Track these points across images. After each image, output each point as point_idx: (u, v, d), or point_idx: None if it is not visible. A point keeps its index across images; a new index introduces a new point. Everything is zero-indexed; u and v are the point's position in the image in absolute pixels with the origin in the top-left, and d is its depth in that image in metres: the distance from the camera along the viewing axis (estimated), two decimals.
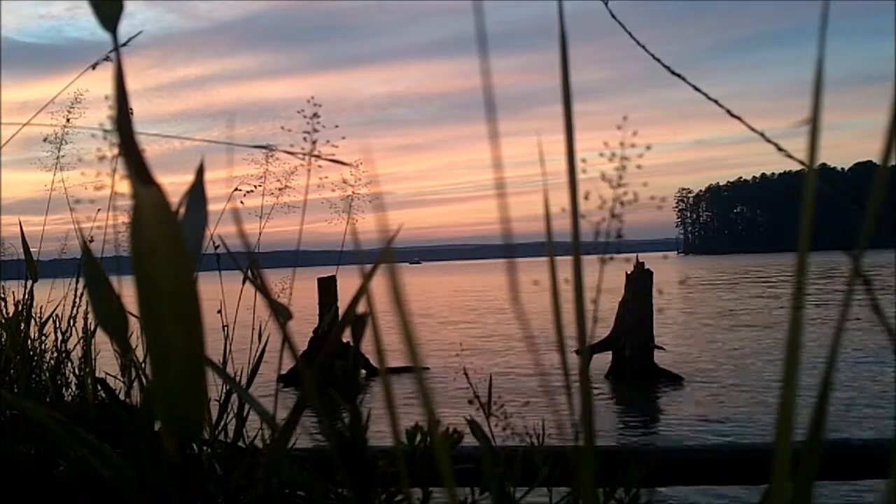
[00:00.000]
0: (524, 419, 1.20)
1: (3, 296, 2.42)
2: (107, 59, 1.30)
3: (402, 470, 0.80)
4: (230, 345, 1.74)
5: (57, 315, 2.23)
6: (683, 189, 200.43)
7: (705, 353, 14.20)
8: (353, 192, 1.63)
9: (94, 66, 1.32)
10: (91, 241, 0.84)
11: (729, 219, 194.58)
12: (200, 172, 0.74)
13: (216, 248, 1.46)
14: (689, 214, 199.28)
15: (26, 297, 2.18)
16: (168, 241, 0.50)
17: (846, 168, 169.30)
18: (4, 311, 2.36)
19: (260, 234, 1.84)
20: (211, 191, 0.74)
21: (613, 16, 0.66)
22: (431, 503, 0.99)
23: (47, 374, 2.03)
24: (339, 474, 0.85)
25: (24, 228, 2.25)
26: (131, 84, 0.51)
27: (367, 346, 0.75)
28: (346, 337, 0.72)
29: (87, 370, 1.86)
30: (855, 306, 0.40)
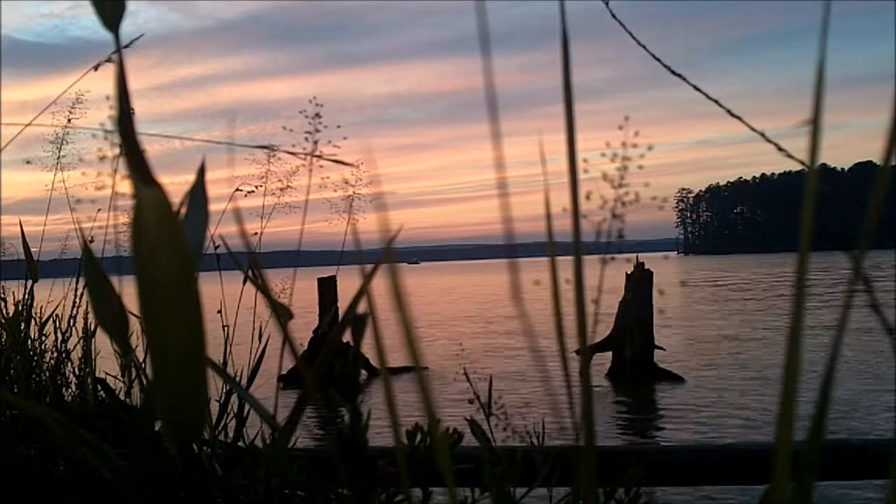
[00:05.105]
0: (524, 419, 1.20)
1: (3, 296, 2.43)
2: (108, 60, 1.30)
3: (402, 470, 0.79)
4: (230, 345, 1.74)
5: (57, 315, 2.23)
6: (683, 189, 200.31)
7: (706, 353, 14.20)
8: (353, 193, 1.64)
9: (96, 68, 1.32)
10: (91, 241, 0.84)
11: (729, 219, 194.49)
12: (201, 172, 0.74)
13: (216, 248, 1.46)
14: (689, 214, 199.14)
15: (26, 297, 2.18)
16: (169, 241, 0.50)
17: (846, 168, 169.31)
18: (4, 311, 2.36)
19: (261, 234, 1.84)
20: (212, 190, 0.74)
21: (614, 16, 0.66)
22: (431, 503, 0.99)
23: (47, 374, 2.03)
24: (339, 474, 0.86)
25: (24, 228, 2.25)
26: (132, 83, 0.51)
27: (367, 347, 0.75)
28: (346, 337, 0.72)
29: (87, 370, 1.86)
30: (856, 306, 0.40)
